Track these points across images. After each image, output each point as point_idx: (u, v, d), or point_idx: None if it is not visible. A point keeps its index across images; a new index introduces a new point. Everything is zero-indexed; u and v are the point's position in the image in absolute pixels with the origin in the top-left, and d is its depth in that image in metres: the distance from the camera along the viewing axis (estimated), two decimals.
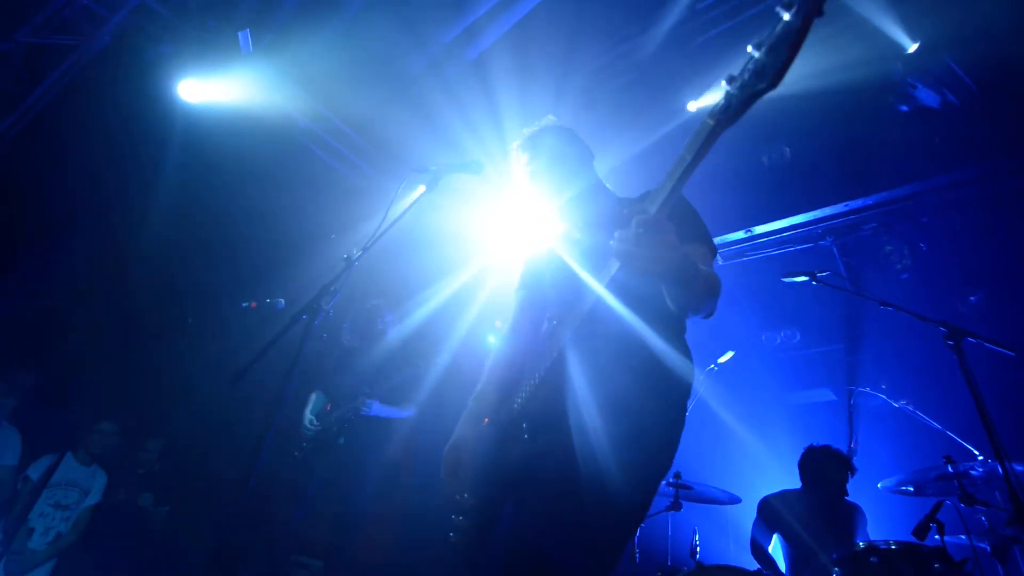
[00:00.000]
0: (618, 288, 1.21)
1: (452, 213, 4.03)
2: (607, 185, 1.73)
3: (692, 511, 3.25)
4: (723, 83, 0.90)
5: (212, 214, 4.32)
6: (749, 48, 0.84)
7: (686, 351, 1.43)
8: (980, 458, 2.79)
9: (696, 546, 3.01)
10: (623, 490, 1.20)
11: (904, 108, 3.51)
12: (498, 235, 3.86)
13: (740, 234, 4.50)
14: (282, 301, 3.31)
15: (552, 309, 1.51)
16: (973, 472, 2.59)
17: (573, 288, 1.40)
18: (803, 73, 3.38)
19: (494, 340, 1.79)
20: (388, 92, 3.85)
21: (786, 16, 0.78)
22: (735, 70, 0.88)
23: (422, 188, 1.82)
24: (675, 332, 1.42)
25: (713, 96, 3.98)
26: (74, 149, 3.80)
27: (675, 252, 1.09)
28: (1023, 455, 2.56)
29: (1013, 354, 2.18)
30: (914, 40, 3.31)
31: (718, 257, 4.74)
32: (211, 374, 3.91)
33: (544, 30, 3.38)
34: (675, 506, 3.05)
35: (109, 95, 3.81)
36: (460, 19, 3.49)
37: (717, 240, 4.64)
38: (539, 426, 1.36)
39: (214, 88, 4.00)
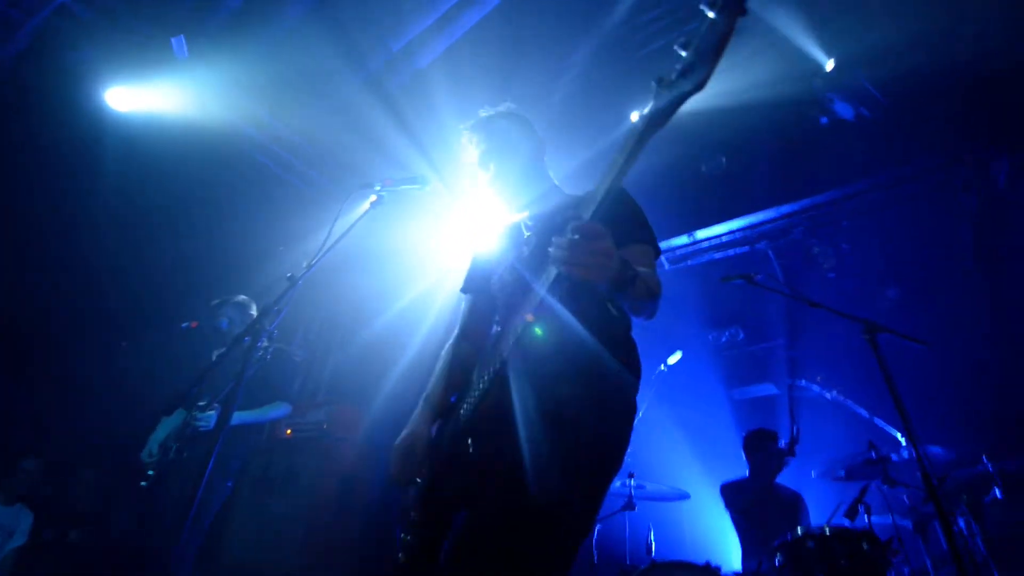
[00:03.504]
0: (560, 292, 1.18)
1: (400, 228, 4.00)
2: (555, 182, 1.72)
3: (647, 509, 3.36)
4: (653, 84, 0.92)
5: (149, 228, 4.09)
6: (676, 47, 0.86)
7: (632, 351, 1.42)
8: (902, 442, 3.04)
9: (651, 543, 3.12)
10: (569, 500, 1.19)
11: (824, 120, 3.80)
12: (447, 248, 3.86)
13: (684, 239, 4.69)
14: (225, 321, 3.20)
15: (499, 313, 1.49)
16: (894, 456, 2.81)
17: (518, 291, 1.37)
18: (735, 88, 3.60)
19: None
20: (331, 103, 3.78)
21: (711, 15, 0.81)
22: (663, 72, 0.89)
23: (367, 205, 1.80)
24: (621, 334, 1.41)
25: None
26: None
27: (610, 259, 1.08)
28: (935, 438, 2.82)
29: (920, 345, 2.39)
30: (831, 58, 3.59)
31: (664, 261, 4.97)
32: (150, 398, 3.70)
33: (485, 44, 3.43)
34: (629, 506, 3.14)
35: (28, 103, 3.55)
36: (402, 33, 3.49)
37: (663, 245, 4.81)
38: (483, 436, 1.33)
39: (147, 96, 3.80)
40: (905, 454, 2.89)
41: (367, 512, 3.62)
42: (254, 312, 3.22)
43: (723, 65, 0.91)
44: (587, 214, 1.06)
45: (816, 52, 3.55)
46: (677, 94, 0.87)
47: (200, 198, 4.15)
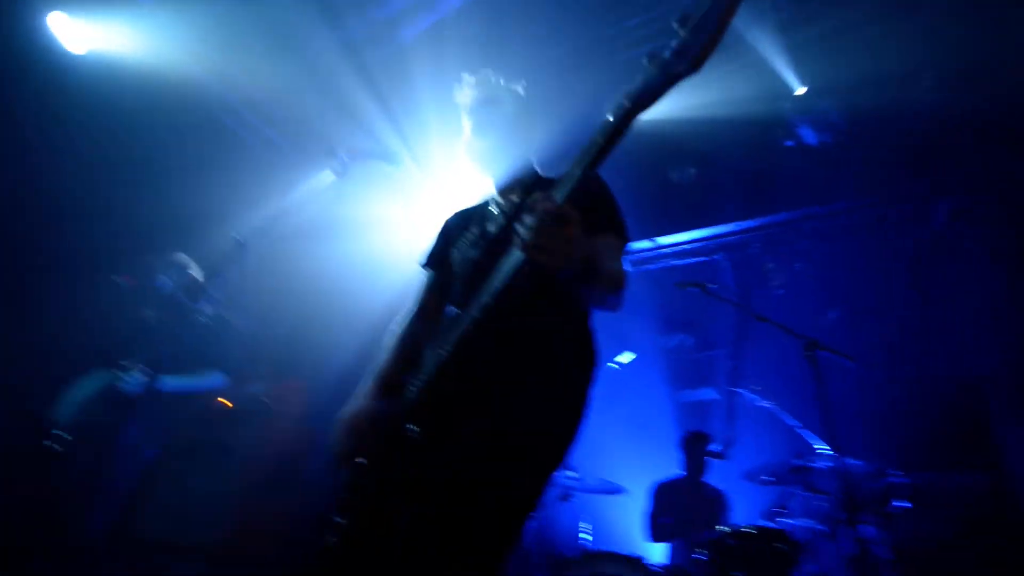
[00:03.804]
0: (522, 276, 1.12)
1: (364, 201, 3.85)
2: (537, 168, 1.65)
3: (583, 501, 3.44)
4: (644, 61, 0.86)
5: (89, 173, 3.77)
6: (674, 24, 0.81)
7: (589, 344, 1.38)
8: (827, 453, 3.24)
9: (583, 534, 3.21)
10: (512, 491, 1.18)
11: (790, 143, 3.96)
12: (411, 226, 3.76)
13: (646, 243, 4.79)
14: (163, 279, 3.01)
15: (457, 293, 1.43)
16: (817, 465, 2.99)
17: (479, 271, 1.30)
18: (710, 101, 3.68)
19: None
20: (303, 65, 3.58)
21: None
22: (657, 48, 0.83)
23: (330, 174, 1.72)
24: (580, 325, 1.38)
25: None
26: None
27: (577, 247, 1.03)
28: (854, 450, 3.02)
29: (853, 364, 2.55)
30: (802, 84, 3.73)
31: (626, 263, 5.06)
32: (69, 354, 3.43)
33: (472, 26, 3.33)
34: (564, 497, 3.21)
35: None
36: (386, 2, 3.34)
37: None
38: (429, 421, 1.29)
39: (98, 32, 3.49)
40: (825, 464, 3.08)
41: (304, 492, 3.52)
42: (194, 273, 3.03)
43: (701, 77, 0.87)
44: (559, 196, 1.00)
45: (789, 76, 3.67)
46: (669, 74, 0.83)
47: (149, 148, 3.85)
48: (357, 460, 1.42)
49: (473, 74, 1.63)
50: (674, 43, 0.81)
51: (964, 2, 3.30)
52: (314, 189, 1.70)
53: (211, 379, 3.13)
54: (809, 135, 3.86)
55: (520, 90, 1.65)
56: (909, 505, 2.86)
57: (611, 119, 0.93)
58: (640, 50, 3.85)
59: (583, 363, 1.35)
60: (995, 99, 3.42)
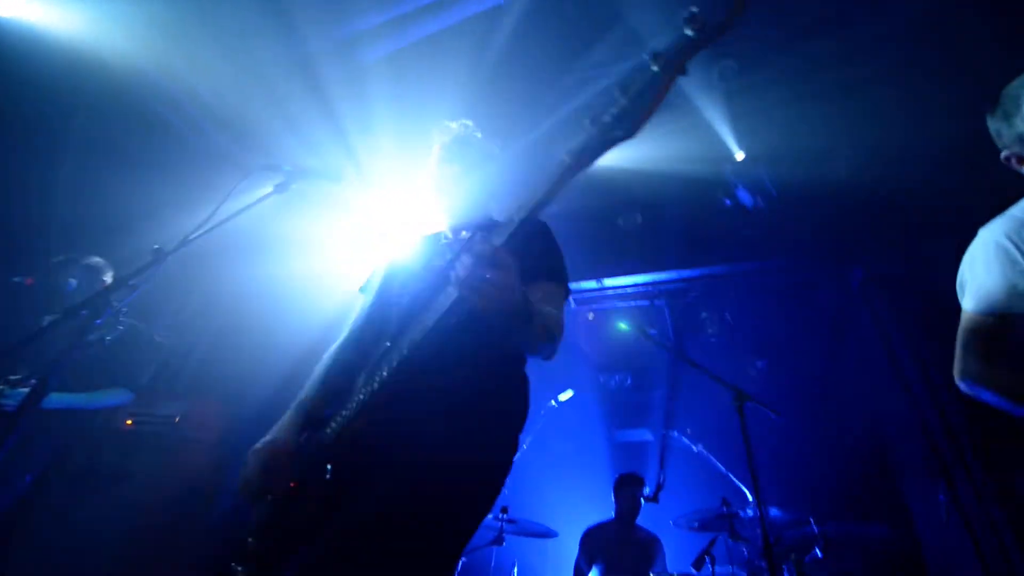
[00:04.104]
0: (457, 316, 1.11)
1: (302, 219, 3.70)
2: (491, 213, 1.66)
3: (515, 545, 3.35)
4: (586, 121, 0.90)
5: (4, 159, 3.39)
6: (615, 88, 0.86)
7: (519, 390, 1.36)
8: (750, 500, 3.36)
9: None
10: (438, 540, 1.11)
11: (728, 202, 4.25)
12: (348, 248, 3.64)
13: (593, 283, 4.92)
14: (73, 283, 2.72)
15: (392, 325, 1.38)
16: (742, 513, 3.09)
17: (416, 306, 1.27)
18: (660, 155, 3.91)
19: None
20: (256, 71, 3.44)
21: (654, 68, 0.83)
22: (598, 110, 0.88)
23: (269, 188, 1.64)
24: (512, 370, 1.36)
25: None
26: None
27: (510, 292, 1.02)
28: (778, 500, 3.16)
29: (777, 417, 2.68)
30: (741, 149, 4.05)
31: (572, 300, 5.16)
32: None
33: (436, 56, 3.38)
34: (498, 540, 3.11)
35: None
36: (349, 23, 3.32)
37: (572, 287, 5.04)
38: (344, 464, 1.20)
39: (31, 3, 3.21)
40: (750, 512, 3.19)
41: (212, 525, 3.19)
42: (108, 279, 2.76)
43: (654, 132, 0.99)
44: (499, 240, 1.01)
45: (731, 142, 3.98)
46: (608, 138, 0.87)
47: (69, 133, 3.53)
48: (266, 496, 1.31)
49: (452, 122, 1.68)
50: (614, 109, 0.86)
51: (875, 95, 3.73)
52: (251, 202, 1.61)
53: (113, 396, 2.83)
54: (745, 197, 4.17)
55: (493, 145, 1.70)
56: (820, 554, 3.00)
57: (552, 172, 0.96)
58: (597, 87, 4.04)
59: (511, 412, 1.31)
60: (899, 180, 3.85)
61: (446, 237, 1.58)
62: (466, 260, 1.00)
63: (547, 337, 1.23)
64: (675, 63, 0.82)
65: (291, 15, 3.21)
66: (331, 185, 1.74)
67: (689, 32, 0.82)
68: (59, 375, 2.56)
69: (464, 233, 1.55)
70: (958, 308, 1.57)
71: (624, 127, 0.85)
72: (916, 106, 3.64)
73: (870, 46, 3.46)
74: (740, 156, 4.01)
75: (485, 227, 1.50)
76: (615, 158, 1.00)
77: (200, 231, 1.53)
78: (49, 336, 1.64)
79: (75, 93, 3.52)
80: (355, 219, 3.62)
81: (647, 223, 4.50)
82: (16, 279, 2.62)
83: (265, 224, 3.37)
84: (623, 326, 4.82)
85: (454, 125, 1.67)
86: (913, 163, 3.76)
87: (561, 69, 3.84)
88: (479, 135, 1.67)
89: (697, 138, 3.83)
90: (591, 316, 5.37)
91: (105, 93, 3.60)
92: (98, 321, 1.42)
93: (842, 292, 4.50)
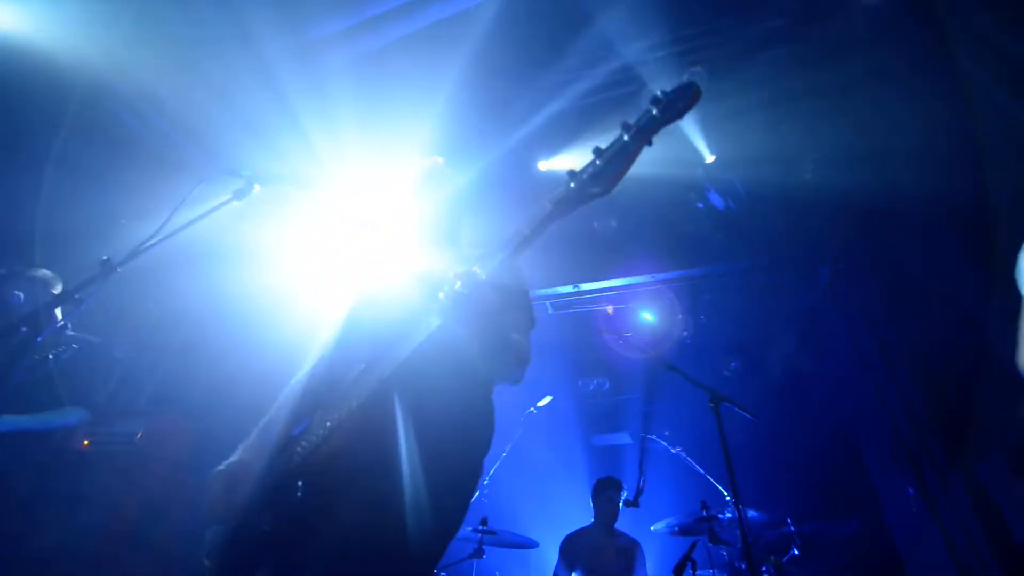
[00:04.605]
0: (435, 346, 1.18)
1: (268, 226, 3.57)
2: (463, 245, 1.75)
3: (495, 556, 3.28)
4: (567, 176, 1.03)
5: None
6: (592, 155, 1.01)
7: (489, 416, 1.44)
8: (728, 502, 3.38)
9: None
10: (413, 551, 1.13)
11: (700, 205, 4.30)
12: (316, 257, 3.53)
13: (569, 288, 4.91)
14: (20, 295, 2.56)
15: (364, 354, 1.39)
16: (721, 516, 3.10)
17: (390, 337, 1.31)
18: (637, 159, 3.92)
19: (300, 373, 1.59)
20: (216, 71, 3.32)
21: (625, 138, 0.98)
22: (578, 167, 1.03)
23: (228, 194, 1.56)
24: (483, 397, 1.43)
25: (560, 162, 4.36)
26: None
27: (493, 320, 1.15)
28: (756, 501, 3.18)
29: (754, 419, 2.69)
30: (712, 153, 4.10)
31: (548, 305, 5.14)
32: None
33: (403, 62, 3.32)
34: (478, 553, 3.04)
35: None
36: (314, 25, 3.23)
37: (550, 291, 5.04)
38: (318, 481, 1.20)
39: None
40: (728, 514, 3.20)
41: (172, 549, 3.03)
42: (57, 292, 2.61)
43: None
44: (483, 272, 1.11)
45: (702, 146, 4.03)
46: (585, 194, 1.01)
47: (26, 143, 3.35)
48: (227, 519, 1.30)
49: (425, 158, 1.77)
50: (590, 168, 1.01)
51: (840, 98, 3.83)
52: (211, 208, 1.53)
53: (67, 415, 2.67)
54: (717, 200, 4.22)
55: (460, 180, 1.81)
56: (797, 553, 3.03)
57: (535, 216, 1.09)
58: (579, 101, 4.05)
59: (480, 438, 1.39)
60: (865, 179, 3.96)
61: (418, 269, 1.60)
62: (450, 290, 1.10)
63: (518, 363, 1.34)
64: (642, 135, 0.98)
65: (249, 18, 3.11)
66: (295, 190, 1.68)
67: (655, 112, 0.98)
68: (3, 396, 2.42)
69: (436, 266, 1.59)
70: (923, 303, 1.59)
71: (600, 185, 1.00)
72: (880, 108, 3.76)
73: (835, 50, 3.56)
74: (710, 159, 4.07)
75: (460, 259, 1.58)
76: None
77: (153, 240, 1.43)
78: None
79: (24, 98, 3.34)
80: (321, 226, 3.52)
81: (622, 227, 4.52)
82: None
83: (229, 233, 3.25)
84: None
85: (425, 162, 1.76)
86: (878, 163, 3.87)
87: (531, 75, 3.83)
88: (448, 170, 1.77)
89: (670, 142, 3.86)
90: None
91: (57, 98, 3.43)
92: (39, 339, 1.32)
93: (811, 290, 4.60)
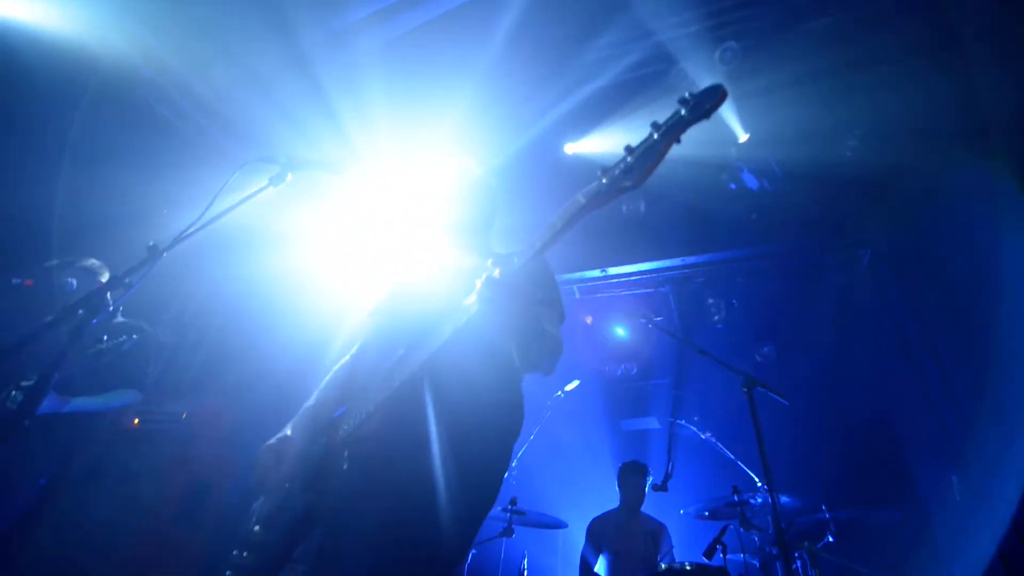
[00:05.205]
0: (471, 333, 1.23)
1: (305, 212, 3.64)
2: (493, 244, 1.78)
3: (524, 536, 3.34)
4: (599, 173, 1.10)
5: None
6: (623, 151, 1.07)
7: (520, 404, 1.48)
8: (760, 487, 3.33)
9: (524, 570, 3.10)
10: (447, 531, 1.17)
11: (733, 186, 4.18)
12: (353, 243, 3.59)
13: (597, 272, 4.87)
14: (73, 282, 2.70)
15: (402, 340, 1.44)
16: (752, 501, 3.07)
17: (427, 325, 1.36)
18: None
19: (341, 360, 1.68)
20: (250, 62, 3.37)
21: (655, 136, 1.03)
22: (610, 164, 1.09)
23: (265, 180, 1.60)
24: (515, 384, 1.47)
25: (587, 145, 4.30)
26: None
27: (528, 307, 1.20)
28: (789, 487, 3.13)
29: (787, 404, 2.64)
30: (746, 132, 3.96)
31: (576, 290, 5.11)
32: None
33: (430, 46, 3.31)
34: (508, 532, 3.10)
35: None
36: (343, 14, 3.24)
37: (577, 275, 5.01)
38: (362, 456, 1.27)
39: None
40: (760, 499, 3.16)
41: (218, 522, 3.20)
42: (104, 280, 2.75)
43: (659, 115, 1.08)
44: (518, 263, 1.16)
45: (735, 124, 3.90)
46: (617, 187, 1.06)
47: (58, 129, 3.48)
48: (275, 491, 1.39)
49: (456, 159, 1.80)
50: (621, 164, 1.06)
51: (880, 72, 3.64)
52: (248, 195, 1.57)
53: (122, 396, 2.84)
54: (751, 180, 4.09)
55: (491, 180, 1.83)
56: (832, 540, 2.98)
57: (568, 209, 1.14)
58: (600, 82, 3.97)
59: (510, 420, 1.43)
60: (905, 158, 3.76)
61: (451, 266, 1.64)
62: (487, 277, 1.15)
63: (551, 352, 1.38)
64: (672, 133, 1.02)
65: (282, 4, 3.15)
66: (330, 175, 1.71)
67: (683, 112, 1.02)
68: (71, 378, 2.60)
69: (468, 262, 1.63)
70: (968, 287, 1.53)
71: (631, 179, 1.04)
72: (923, 82, 3.55)
73: (875, 20, 3.37)
74: (744, 138, 3.93)
75: (492, 255, 1.64)
76: (617, 146, 1.15)
77: (195, 226, 1.49)
78: (51, 337, 1.62)
79: (66, 90, 3.47)
80: (355, 211, 3.57)
81: (651, 209, 4.43)
82: (15, 281, 2.60)
83: (265, 219, 3.34)
84: (621, 331, 4.88)
85: (453, 164, 1.79)
86: (919, 141, 3.68)
87: (560, 54, 3.76)
88: (479, 172, 1.80)
89: (701, 123, 3.75)
90: (589, 320, 5.39)
91: (97, 90, 3.55)
92: (94, 320, 1.40)
93: (850, 274, 4.44)
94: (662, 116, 1.09)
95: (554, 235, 1.14)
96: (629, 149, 1.05)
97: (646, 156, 1.02)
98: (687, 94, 1.03)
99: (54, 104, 3.47)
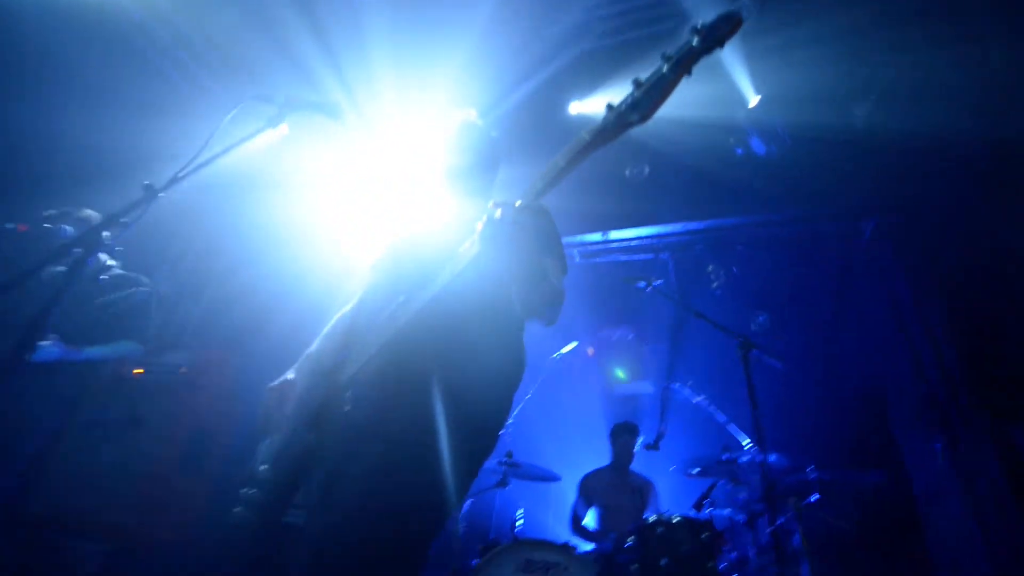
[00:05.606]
0: (471, 276, 1.21)
1: (307, 156, 3.54)
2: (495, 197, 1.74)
3: (518, 488, 3.44)
4: (606, 107, 1.04)
5: None
6: (631, 83, 1.01)
7: (521, 350, 1.48)
8: (748, 447, 3.42)
9: (517, 521, 3.22)
10: (444, 474, 1.19)
11: (739, 151, 4.09)
12: (355, 189, 3.52)
13: (597, 236, 4.84)
14: (69, 229, 2.67)
15: (404, 286, 1.43)
16: (740, 459, 3.15)
17: (429, 271, 1.34)
18: (672, 102, 3.71)
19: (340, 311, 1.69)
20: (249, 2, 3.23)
21: (664, 68, 0.97)
22: (616, 100, 1.04)
23: (264, 123, 1.55)
24: (515, 331, 1.46)
25: (593, 104, 4.18)
26: None
27: (530, 250, 1.16)
28: (778, 447, 3.21)
29: (780, 366, 2.68)
30: (757, 94, 3.85)
31: (576, 254, 5.09)
32: None
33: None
34: (502, 483, 3.20)
35: None
36: None
37: (577, 239, 4.97)
38: (364, 396, 1.28)
39: None
40: (748, 458, 3.25)
41: (218, 470, 3.28)
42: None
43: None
44: (521, 202, 1.12)
45: (745, 86, 3.78)
46: (624, 122, 1.02)
47: (48, 70, 3.35)
48: (278, 431, 1.42)
49: (458, 111, 1.76)
50: (628, 98, 1.01)
51: (901, 32, 3.51)
52: (245, 138, 1.53)
53: (124, 347, 2.88)
54: (758, 144, 4.01)
55: (493, 132, 1.79)
56: (816, 498, 3.08)
57: (572, 147, 1.09)
58: (608, 40, 3.83)
59: (511, 368, 1.42)
60: (920, 125, 3.68)
61: (454, 217, 1.62)
62: (488, 216, 1.11)
63: (553, 300, 1.33)
64: (682, 64, 0.96)
65: None
66: (329, 120, 1.65)
67: (695, 42, 0.95)
68: (79, 328, 2.62)
69: (468, 214, 1.58)
70: (971, 262, 1.52)
71: (638, 112, 0.99)
72: (944, 45, 3.43)
73: None
74: (755, 101, 3.82)
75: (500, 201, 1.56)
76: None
77: (192, 166, 1.45)
78: (49, 277, 1.61)
79: (55, 31, 3.34)
80: (355, 156, 3.48)
81: (654, 174, 4.36)
82: (9, 225, 2.57)
83: (266, 164, 3.26)
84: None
85: (459, 115, 1.74)
86: (933, 109, 3.58)
87: (566, 7, 3.61)
88: (481, 123, 1.75)
89: (710, 80, 3.64)
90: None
91: (86, 29, 3.41)
92: (90, 260, 1.38)
93: (852, 244, 4.42)
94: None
95: (557, 173, 1.10)
96: (637, 83, 1.00)
97: (655, 89, 0.97)
98: (699, 23, 0.96)
99: (40, 45, 3.33)
